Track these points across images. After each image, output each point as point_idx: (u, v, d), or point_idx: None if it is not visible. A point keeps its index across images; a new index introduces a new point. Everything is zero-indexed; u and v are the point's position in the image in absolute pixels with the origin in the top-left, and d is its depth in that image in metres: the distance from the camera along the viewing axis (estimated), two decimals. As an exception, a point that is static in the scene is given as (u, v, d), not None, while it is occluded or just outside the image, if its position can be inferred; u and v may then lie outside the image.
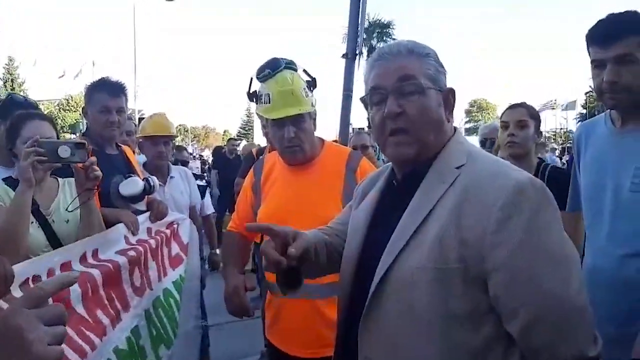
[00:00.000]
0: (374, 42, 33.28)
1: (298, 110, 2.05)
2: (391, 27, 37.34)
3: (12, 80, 42.79)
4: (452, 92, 1.29)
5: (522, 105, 2.65)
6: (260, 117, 2.25)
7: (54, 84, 71.07)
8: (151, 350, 2.30)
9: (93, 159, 2.00)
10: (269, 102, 2.08)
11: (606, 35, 1.68)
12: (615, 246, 1.68)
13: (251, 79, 2.17)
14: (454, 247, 1.10)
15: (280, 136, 2.08)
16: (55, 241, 2.06)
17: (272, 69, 2.08)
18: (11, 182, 2.09)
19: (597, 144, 1.86)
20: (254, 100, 2.18)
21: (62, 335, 0.74)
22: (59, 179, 2.25)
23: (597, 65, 1.73)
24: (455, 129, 1.31)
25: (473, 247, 1.09)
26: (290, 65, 2.12)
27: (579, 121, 52.78)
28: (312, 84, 2.17)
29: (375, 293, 1.19)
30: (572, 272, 1.09)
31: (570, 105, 41.29)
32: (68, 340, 1.65)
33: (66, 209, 2.13)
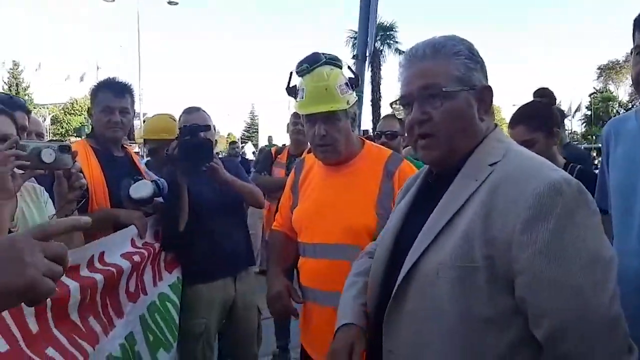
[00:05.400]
0: (377, 44, 33.33)
1: (329, 107, 1.95)
2: (394, 29, 37.43)
3: (16, 85, 42.98)
4: (487, 89, 1.23)
5: (520, 121, 2.34)
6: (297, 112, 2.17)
7: (58, 88, 71.19)
8: (149, 355, 2.26)
9: (79, 165, 1.74)
10: (303, 97, 2.01)
11: None
12: None
13: (291, 73, 2.10)
14: (479, 245, 1.06)
15: (311, 133, 2.01)
16: None
17: (310, 63, 2.00)
18: None
19: (628, 140, 1.77)
20: (293, 95, 2.11)
21: (59, 274, 0.75)
22: None
23: None
24: (495, 125, 1.26)
25: (501, 247, 1.04)
26: (332, 61, 2.04)
27: (584, 123, 52.42)
28: (354, 81, 2.08)
29: (400, 288, 1.17)
30: (606, 279, 1.02)
31: (577, 109, 41.53)
32: (61, 349, 1.59)
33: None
